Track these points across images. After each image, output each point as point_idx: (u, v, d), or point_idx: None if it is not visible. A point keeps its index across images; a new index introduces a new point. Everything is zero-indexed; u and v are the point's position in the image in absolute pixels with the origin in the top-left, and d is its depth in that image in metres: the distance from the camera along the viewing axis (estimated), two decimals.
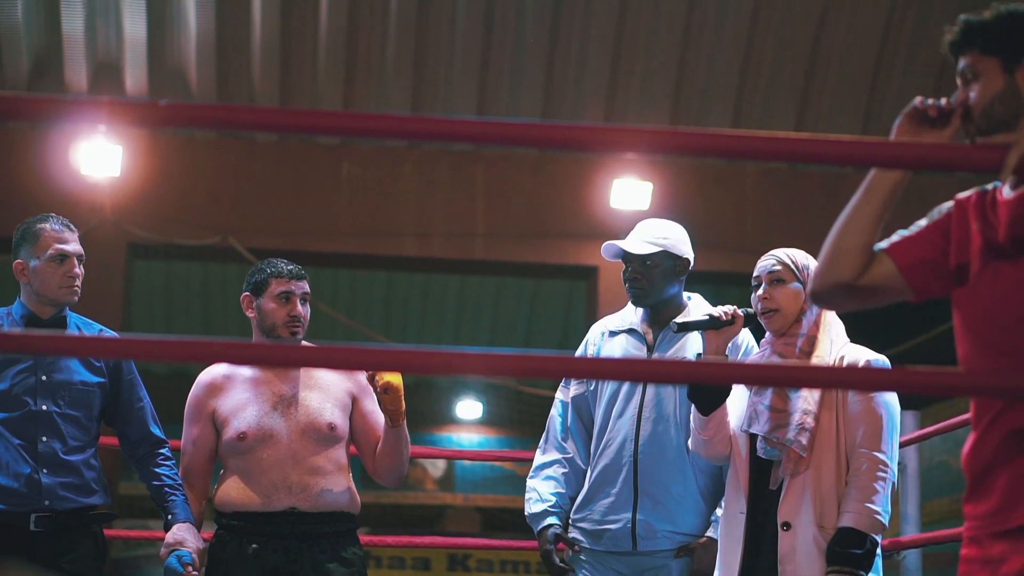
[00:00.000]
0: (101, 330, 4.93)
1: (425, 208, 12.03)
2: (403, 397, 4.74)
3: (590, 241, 12.11)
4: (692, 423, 4.64)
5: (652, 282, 4.93)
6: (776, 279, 4.52)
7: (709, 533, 4.89)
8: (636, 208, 11.83)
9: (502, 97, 11.93)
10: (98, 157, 11.32)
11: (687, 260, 4.97)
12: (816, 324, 4.51)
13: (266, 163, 11.98)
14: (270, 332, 4.91)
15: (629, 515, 4.92)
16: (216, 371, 5.00)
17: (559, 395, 5.16)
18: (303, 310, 4.93)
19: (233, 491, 4.85)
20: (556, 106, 11.98)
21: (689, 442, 4.74)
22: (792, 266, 4.53)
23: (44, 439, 4.69)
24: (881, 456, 4.35)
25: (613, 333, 5.11)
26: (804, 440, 4.36)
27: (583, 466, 5.09)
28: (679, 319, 4.65)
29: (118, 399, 4.90)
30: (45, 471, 4.67)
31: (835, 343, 4.50)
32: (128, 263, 11.93)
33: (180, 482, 4.89)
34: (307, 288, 4.97)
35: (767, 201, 12.26)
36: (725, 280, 12.07)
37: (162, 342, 2.42)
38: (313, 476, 4.82)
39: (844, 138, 2.30)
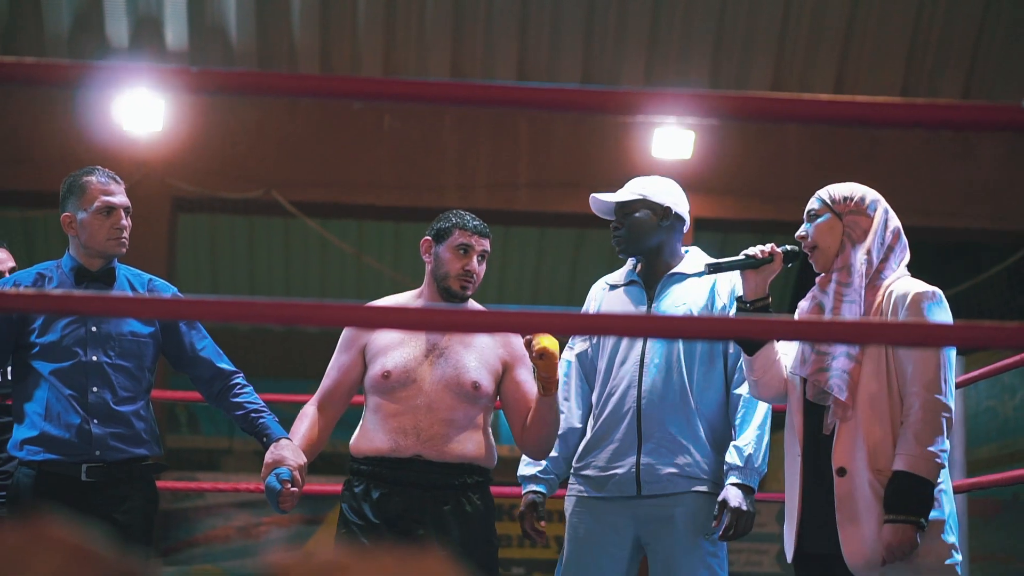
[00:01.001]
0: (150, 280, 4.96)
1: (467, 160, 12.03)
2: (556, 363, 4.64)
3: None
4: (742, 363, 4.66)
5: (631, 230, 5.02)
6: (813, 215, 4.46)
7: (732, 482, 4.89)
8: (678, 157, 11.80)
9: (541, 59, 11.89)
10: (140, 112, 11.35)
11: (668, 208, 5.03)
12: (854, 255, 4.41)
13: (308, 116, 11.98)
14: (442, 281, 4.87)
15: (633, 459, 4.97)
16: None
17: (565, 354, 5.16)
18: (478, 267, 4.88)
19: (367, 435, 4.82)
20: (595, 68, 11.95)
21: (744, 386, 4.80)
22: (828, 200, 4.45)
23: (94, 389, 4.72)
24: (937, 396, 4.24)
25: (613, 287, 5.20)
26: (844, 384, 4.31)
27: (579, 426, 5.15)
28: (710, 260, 4.65)
29: (180, 345, 4.92)
30: (95, 421, 4.70)
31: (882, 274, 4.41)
32: (172, 217, 11.98)
33: (263, 405, 4.89)
34: (488, 247, 4.91)
35: (810, 148, 12.20)
36: (769, 228, 12.02)
37: (206, 302, 2.44)
38: (444, 427, 4.77)
39: (883, 101, 2.30)
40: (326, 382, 4.96)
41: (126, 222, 4.84)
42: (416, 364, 4.82)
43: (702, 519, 4.93)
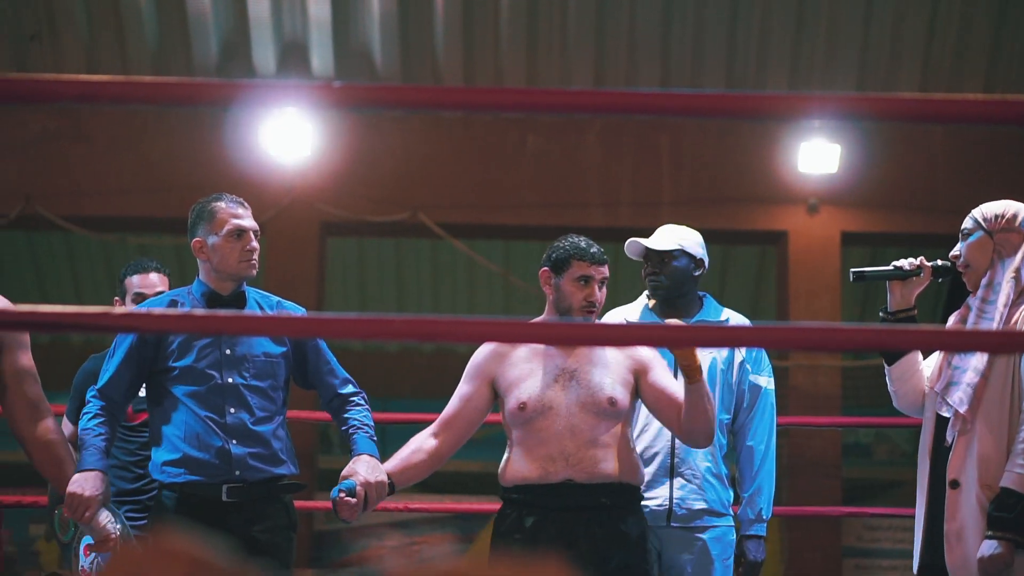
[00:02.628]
0: (279, 302, 5.02)
1: (611, 178, 12.02)
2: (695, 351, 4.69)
3: (779, 206, 12.00)
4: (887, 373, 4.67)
5: (672, 278, 5.37)
6: (966, 234, 4.41)
7: (751, 535, 5.41)
8: (824, 171, 11.70)
9: (684, 73, 11.86)
10: (287, 138, 11.50)
11: (701, 260, 5.42)
12: (1002, 272, 4.37)
13: (452, 138, 12.06)
14: (565, 312, 4.89)
15: (667, 494, 5.32)
16: None
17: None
18: (600, 295, 4.90)
19: (514, 464, 4.84)
20: (739, 78, 11.89)
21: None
22: (980, 219, 4.41)
23: (232, 411, 4.80)
24: None
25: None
26: (966, 398, 4.27)
27: None
28: (856, 268, 4.63)
29: (306, 365, 4.99)
30: (234, 442, 4.78)
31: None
32: (321, 241, 12.12)
33: (368, 422, 4.94)
34: (607, 273, 4.94)
35: (958, 159, 12.01)
36: (918, 241, 11.85)
37: (343, 320, 2.46)
38: (590, 448, 4.77)
39: None
40: (447, 410, 4.98)
41: (255, 244, 4.91)
42: (549, 391, 4.83)
43: (722, 547, 5.34)
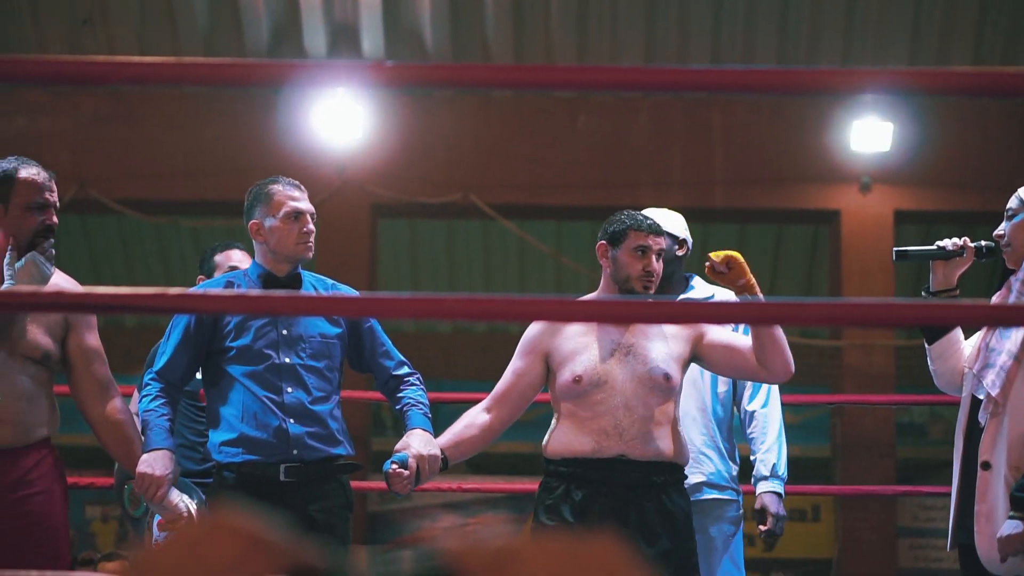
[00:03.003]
0: (333, 285, 5.03)
1: (661, 157, 11.99)
2: (745, 265, 4.67)
3: (832, 184, 11.94)
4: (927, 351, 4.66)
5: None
6: (1011, 214, 4.38)
7: (768, 490, 5.43)
8: (877, 149, 11.63)
9: (736, 49, 11.82)
10: (339, 120, 11.52)
11: (684, 241, 5.42)
12: None
13: (502, 118, 12.05)
14: (624, 284, 4.89)
15: None
16: None
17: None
18: (657, 266, 4.90)
19: (564, 437, 4.83)
20: (790, 55, 11.83)
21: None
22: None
23: (289, 390, 4.81)
24: None
25: None
26: (999, 380, 4.26)
27: None
28: (899, 247, 4.61)
29: (361, 348, 5.01)
30: (291, 421, 4.79)
31: None
32: (372, 223, 12.15)
33: (422, 400, 4.95)
34: (664, 244, 4.95)
35: (1012, 136, 11.91)
36: (972, 219, 11.77)
37: (393, 300, 2.47)
38: (645, 425, 4.77)
39: None
40: (499, 385, 4.99)
41: (312, 227, 4.93)
42: (605, 364, 4.83)
43: (725, 521, 5.40)
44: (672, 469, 4.83)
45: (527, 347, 4.96)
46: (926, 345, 4.56)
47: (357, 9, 11.64)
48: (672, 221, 5.41)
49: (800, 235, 14.78)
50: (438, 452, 4.78)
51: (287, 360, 4.83)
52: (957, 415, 4.54)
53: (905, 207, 11.77)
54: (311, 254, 4.93)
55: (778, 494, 5.40)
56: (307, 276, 5.02)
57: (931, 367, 4.59)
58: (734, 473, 5.45)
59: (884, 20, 11.70)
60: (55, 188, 4.66)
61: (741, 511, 5.47)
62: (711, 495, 5.36)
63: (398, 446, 4.78)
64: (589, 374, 4.81)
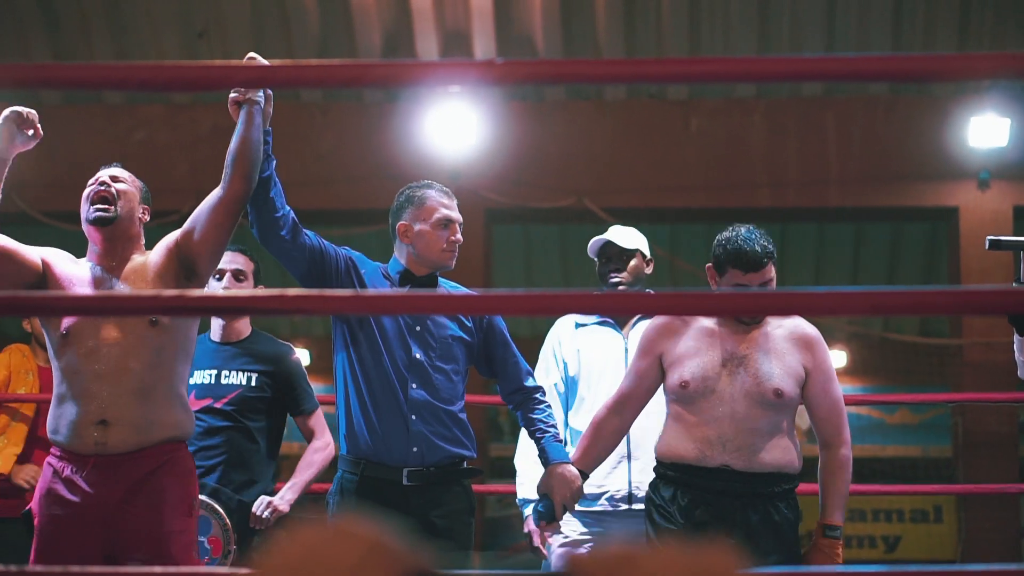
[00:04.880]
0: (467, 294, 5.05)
1: (776, 157, 11.93)
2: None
3: (950, 181, 11.81)
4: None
5: (633, 275, 5.69)
6: None
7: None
8: (994, 145, 11.50)
9: (850, 37, 11.74)
10: (451, 127, 11.59)
11: (651, 260, 5.78)
12: None
13: (615, 123, 12.06)
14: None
15: (625, 477, 5.47)
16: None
17: (545, 383, 5.63)
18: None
19: (672, 440, 4.85)
20: (906, 45, 11.73)
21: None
22: None
23: (414, 386, 4.82)
24: None
25: (580, 325, 5.77)
26: None
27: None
28: (993, 236, 4.57)
29: (492, 356, 5.02)
30: (414, 417, 4.80)
31: None
32: (486, 229, 12.19)
33: (552, 422, 4.98)
34: (770, 275, 4.85)
35: None
36: None
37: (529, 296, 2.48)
38: (750, 437, 4.76)
39: None
40: (623, 386, 5.02)
41: (460, 236, 4.94)
42: (714, 374, 4.82)
43: None
44: (779, 479, 4.81)
45: (646, 347, 4.98)
46: (1015, 336, 4.52)
47: (469, 14, 11.70)
48: (641, 240, 5.75)
49: (918, 233, 14.65)
50: (579, 482, 4.87)
51: (417, 356, 4.84)
52: None
53: (1023, 203, 11.63)
54: (453, 263, 4.95)
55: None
56: (441, 281, 5.04)
57: (1017, 357, 4.55)
58: None
59: (1000, 8, 11.57)
60: None
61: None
62: None
63: (540, 487, 4.87)
64: (697, 381, 4.82)
